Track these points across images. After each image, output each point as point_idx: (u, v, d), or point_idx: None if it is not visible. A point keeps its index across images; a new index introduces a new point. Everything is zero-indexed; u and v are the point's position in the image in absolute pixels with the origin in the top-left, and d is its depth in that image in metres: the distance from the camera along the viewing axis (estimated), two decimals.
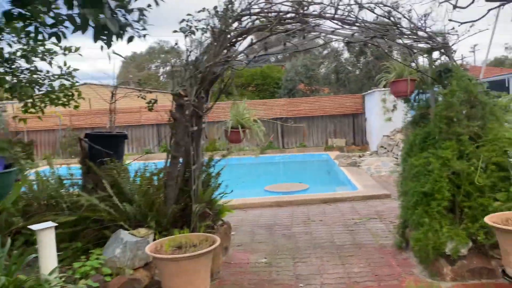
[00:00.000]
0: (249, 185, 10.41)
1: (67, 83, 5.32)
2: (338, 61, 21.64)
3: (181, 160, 4.34)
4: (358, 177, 9.49)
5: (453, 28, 4.55)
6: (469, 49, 31.52)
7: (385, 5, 4.34)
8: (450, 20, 4.88)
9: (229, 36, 4.33)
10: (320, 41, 13.24)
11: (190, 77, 4.25)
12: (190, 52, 4.41)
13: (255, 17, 4.39)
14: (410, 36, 4.42)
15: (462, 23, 4.99)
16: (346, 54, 21.64)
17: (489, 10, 5.52)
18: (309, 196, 7.60)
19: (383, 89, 15.73)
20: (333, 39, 4.77)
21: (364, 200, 7.42)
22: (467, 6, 5.39)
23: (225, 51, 4.34)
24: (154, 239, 3.73)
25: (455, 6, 5.30)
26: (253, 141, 17.44)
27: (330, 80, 22.47)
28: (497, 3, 5.46)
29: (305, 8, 4.26)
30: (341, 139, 17.50)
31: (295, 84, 19.00)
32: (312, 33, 4.40)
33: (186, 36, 4.37)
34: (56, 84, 5.30)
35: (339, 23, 4.27)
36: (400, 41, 4.38)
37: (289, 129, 17.86)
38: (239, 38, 4.43)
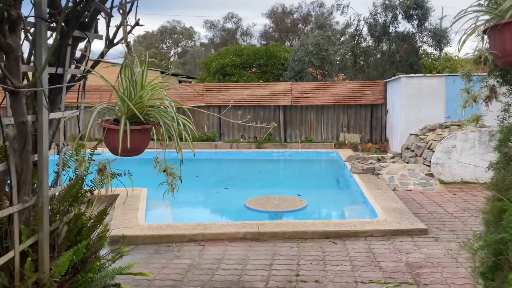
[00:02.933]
0: (228, 195, 8.04)
1: None
2: (357, 42, 18.91)
3: None
4: (377, 193, 7.01)
5: None
6: None
7: None
8: None
9: None
10: None
11: None
12: None
13: None
14: None
15: None
16: (365, 33, 18.89)
17: None
18: (305, 225, 5.17)
19: (413, 75, 13.15)
20: None
21: (387, 237, 4.98)
22: None
23: None
24: None
25: None
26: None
27: (346, 63, 19.79)
28: None
29: None
30: (355, 134, 14.94)
31: (304, 66, 16.38)
32: None
33: None
34: None
35: None
36: None
37: (293, 119, 15.35)
38: None
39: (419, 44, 18.42)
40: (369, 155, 11.00)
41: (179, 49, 48.30)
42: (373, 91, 14.74)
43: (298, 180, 10.02)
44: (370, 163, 9.97)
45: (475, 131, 8.36)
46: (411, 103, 12.15)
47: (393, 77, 13.37)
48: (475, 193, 7.43)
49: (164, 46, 48.62)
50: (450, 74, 12.50)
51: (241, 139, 15.27)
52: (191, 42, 48.01)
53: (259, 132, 15.39)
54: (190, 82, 22.21)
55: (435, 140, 9.14)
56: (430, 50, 18.33)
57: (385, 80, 14.58)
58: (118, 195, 6.27)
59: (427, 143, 9.40)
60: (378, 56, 19.41)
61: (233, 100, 15.21)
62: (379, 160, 10.51)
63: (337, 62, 19.04)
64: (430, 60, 19.38)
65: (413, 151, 9.97)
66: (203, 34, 64.05)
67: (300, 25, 36.16)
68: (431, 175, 8.35)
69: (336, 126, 15.20)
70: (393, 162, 9.84)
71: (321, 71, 17.77)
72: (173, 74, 21.28)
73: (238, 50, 18.53)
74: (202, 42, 45.55)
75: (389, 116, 14.21)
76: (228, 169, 11.59)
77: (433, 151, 8.68)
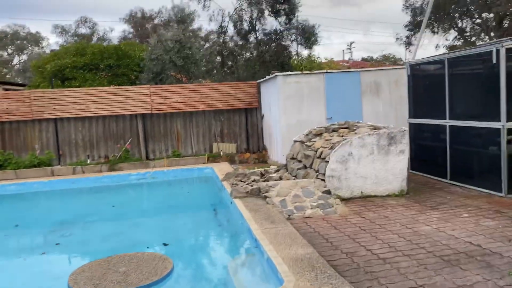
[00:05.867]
0: (54, 259, 5.32)
1: None
2: (223, 41, 17.33)
3: None
4: (271, 229, 5.15)
5: None
6: None
7: None
8: None
9: None
10: None
11: None
12: None
13: None
14: None
15: None
16: (231, 31, 17.46)
17: None
18: None
19: (290, 73, 11.90)
20: None
21: None
22: None
23: None
24: None
25: None
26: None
27: (213, 64, 18.06)
28: None
29: None
30: (230, 143, 13.19)
31: (165, 66, 14.03)
32: None
33: None
34: None
35: None
36: None
37: (155, 131, 12.89)
38: None
39: (288, 42, 17.71)
40: (250, 170, 9.24)
41: (25, 56, 43.44)
42: (246, 93, 13.19)
43: (163, 216, 7.66)
44: (253, 181, 8.19)
45: (372, 134, 7.18)
46: (291, 104, 10.84)
47: (267, 77, 11.96)
48: (384, 212, 6.14)
49: (5, 53, 43.09)
50: (329, 71, 11.60)
51: (88, 160, 12.19)
52: (38, 49, 43.08)
53: (112, 150, 12.52)
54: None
55: (325, 147, 7.78)
56: (299, 49, 17.76)
57: (258, 81, 13.16)
58: None
59: (316, 151, 7.99)
60: (247, 55, 18.18)
61: (74, 111, 12.07)
62: (262, 175, 8.82)
63: (204, 63, 17.18)
64: (299, 59, 18.91)
65: (300, 161, 8.50)
66: (53, 41, 57.92)
67: (162, 30, 33.93)
68: (328, 192, 6.89)
69: (208, 135, 13.24)
70: (280, 178, 8.22)
71: (186, 74, 15.62)
72: None
73: (80, 48, 15.24)
74: (53, 50, 40.69)
75: (265, 121, 12.81)
76: (67, 208, 8.63)
77: (326, 162, 7.26)
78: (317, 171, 7.56)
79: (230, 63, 17.72)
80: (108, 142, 12.55)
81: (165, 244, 5.65)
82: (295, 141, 9.13)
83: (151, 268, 4.37)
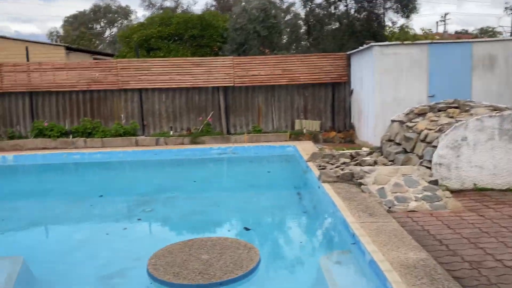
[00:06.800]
0: (136, 236, 5.17)
1: None
2: (310, 8, 16.34)
3: None
4: (371, 224, 4.48)
5: None
6: None
7: None
8: None
9: None
10: None
11: None
12: None
13: None
14: None
15: None
16: None
17: None
18: None
19: (388, 43, 10.76)
20: None
21: None
22: None
23: None
24: None
25: None
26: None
27: (297, 35, 17.22)
28: None
29: None
30: (314, 120, 12.47)
31: (248, 36, 13.53)
32: None
33: None
34: None
35: None
36: None
37: (237, 104, 12.58)
38: None
39: (382, 11, 16.24)
40: (339, 151, 8.52)
41: (115, 29, 46.29)
42: (335, 66, 12.28)
43: (243, 196, 7.26)
44: (343, 164, 7.47)
45: (494, 116, 6.06)
46: (387, 79, 9.80)
47: (360, 47, 10.93)
48: (508, 210, 5.13)
49: (98, 26, 46.31)
50: (434, 41, 10.28)
51: (171, 132, 12.26)
52: (127, 22, 45.61)
53: (194, 122, 12.46)
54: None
55: (431, 130, 6.79)
56: (395, 18, 16.23)
57: (348, 52, 12.16)
58: None
59: (419, 134, 7.02)
60: (335, 25, 17.03)
61: (158, 81, 12.13)
62: (353, 157, 8.05)
63: (287, 34, 16.42)
64: (389, 30, 17.33)
65: (399, 144, 7.58)
66: (141, 14, 60.80)
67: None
68: (435, 182, 5.97)
69: (290, 111, 12.64)
70: (375, 162, 7.39)
71: (269, 45, 15.01)
72: (84, 51, 17.61)
73: (166, 18, 15.27)
74: (140, 22, 42.75)
75: (355, 97, 11.85)
76: (149, 180, 8.63)
77: (433, 146, 6.31)
78: (420, 157, 6.63)
79: (315, 33, 16.72)
80: (190, 114, 12.50)
81: (246, 229, 5.24)
82: (392, 121, 8.18)
83: (236, 258, 3.95)
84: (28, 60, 12.90)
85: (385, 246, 3.90)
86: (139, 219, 5.82)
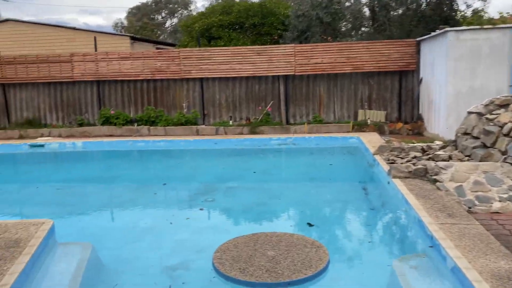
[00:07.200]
0: (199, 228, 5.13)
1: None
2: None
3: None
4: (451, 226, 4.09)
5: None
6: None
7: None
8: None
9: None
10: None
11: None
12: None
13: None
14: None
15: None
16: None
17: None
18: None
19: (465, 27, 9.96)
20: None
21: None
22: None
23: None
24: None
25: None
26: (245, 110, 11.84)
27: (361, 21, 16.49)
28: None
29: None
30: (379, 111, 11.91)
31: (311, 23, 13.13)
32: None
33: None
34: None
35: None
36: None
37: (297, 94, 12.30)
38: None
39: None
40: (408, 144, 8.01)
41: (176, 20, 47.78)
42: (402, 53, 11.60)
43: (304, 189, 7.04)
44: (414, 158, 7.00)
45: None
46: (462, 67, 9.06)
47: (432, 33, 10.20)
48: None
49: (160, 17, 48.12)
50: None
51: (230, 122, 12.25)
52: (187, 12, 46.82)
53: (253, 112, 12.37)
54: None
55: None
56: (470, 0, 14.99)
57: (418, 39, 11.42)
58: None
59: (501, 127, 6.39)
60: (402, 10, 16.09)
61: (219, 70, 12.13)
62: (424, 151, 7.52)
63: (351, 20, 15.78)
64: (461, 14, 16.05)
65: (477, 138, 6.95)
66: (200, 4, 61.81)
67: None
68: None
69: (353, 101, 12.16)
70: (449, 157, 6.85)
71: (332, 32, 14.48)
72: (147, 40, 18.08)
73: (227, 6, 15.23)
74: (201, 11, 43.74)
75: (424, 86, 11.13)
76: (210, 169, 8.65)
77: None
78: (503, 153, 6.02)
79: (381, 18, 15.91)
80: (250, 104, 12.41)
81: (309, 225, 5.02)
82: (469, 113, 7.52)
83: (304, 256, 3.76)
84: (96, 50, 13.43)
85: (470, 252, 3.53)
86: (201, 209, 5.80)
